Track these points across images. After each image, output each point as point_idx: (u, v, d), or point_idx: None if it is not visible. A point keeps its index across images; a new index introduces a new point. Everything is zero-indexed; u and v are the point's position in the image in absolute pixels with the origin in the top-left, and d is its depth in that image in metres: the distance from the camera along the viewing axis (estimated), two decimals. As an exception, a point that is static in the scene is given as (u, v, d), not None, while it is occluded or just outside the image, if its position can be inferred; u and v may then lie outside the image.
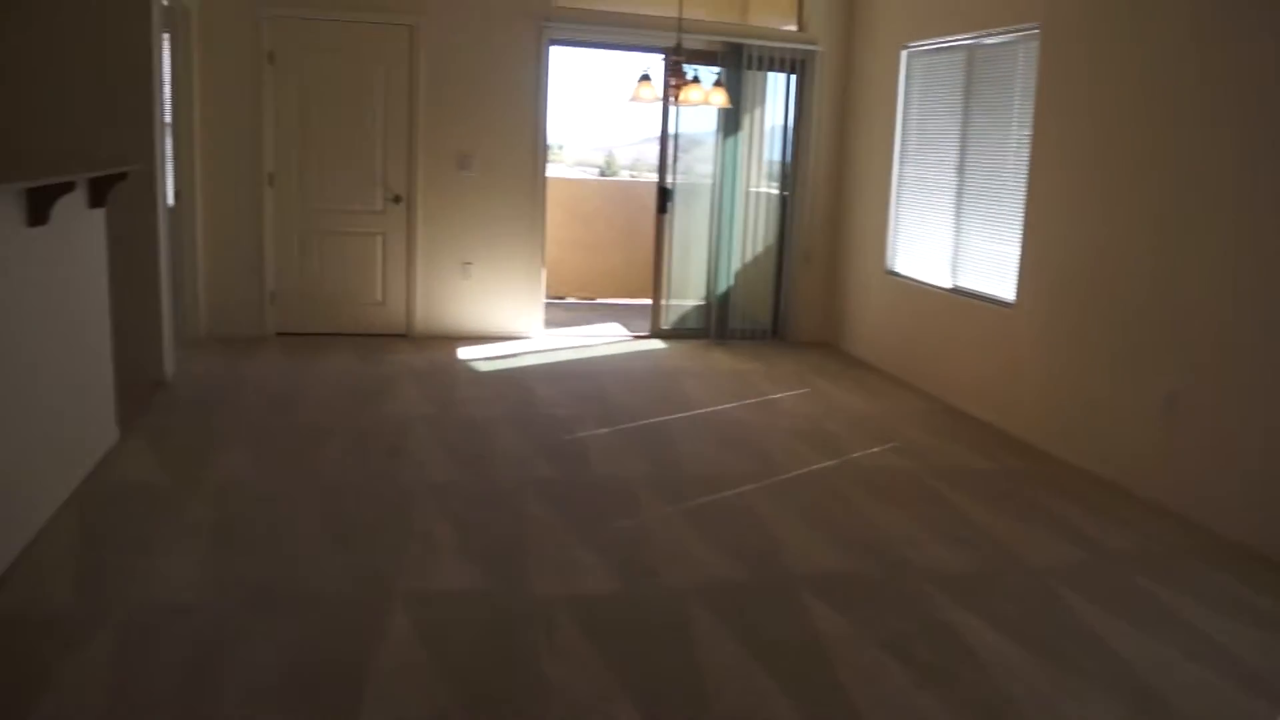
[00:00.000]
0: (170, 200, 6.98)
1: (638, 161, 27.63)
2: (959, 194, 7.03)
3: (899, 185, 7.86)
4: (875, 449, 5.82)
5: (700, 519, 4.61)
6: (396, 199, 7.83)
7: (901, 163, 7.83)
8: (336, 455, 5.20)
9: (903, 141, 7.81)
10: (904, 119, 7.79)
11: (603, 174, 20.67)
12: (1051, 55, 6.02)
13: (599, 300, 10.35)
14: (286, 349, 7.48)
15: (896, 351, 7.75)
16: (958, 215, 7.05)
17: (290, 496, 4.62)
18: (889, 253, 7.94)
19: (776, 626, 3.66)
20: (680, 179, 8.46)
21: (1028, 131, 6.23)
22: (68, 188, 4.17)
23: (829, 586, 3.98)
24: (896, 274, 7.84)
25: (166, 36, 6.94)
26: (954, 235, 7.09)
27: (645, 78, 6.47)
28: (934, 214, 7.34)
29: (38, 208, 4.11)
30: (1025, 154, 6.25)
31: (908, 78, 7.74)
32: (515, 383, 6.82)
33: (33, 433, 4.17)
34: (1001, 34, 6.54)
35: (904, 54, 7.71)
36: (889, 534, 4.57)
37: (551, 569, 4.00)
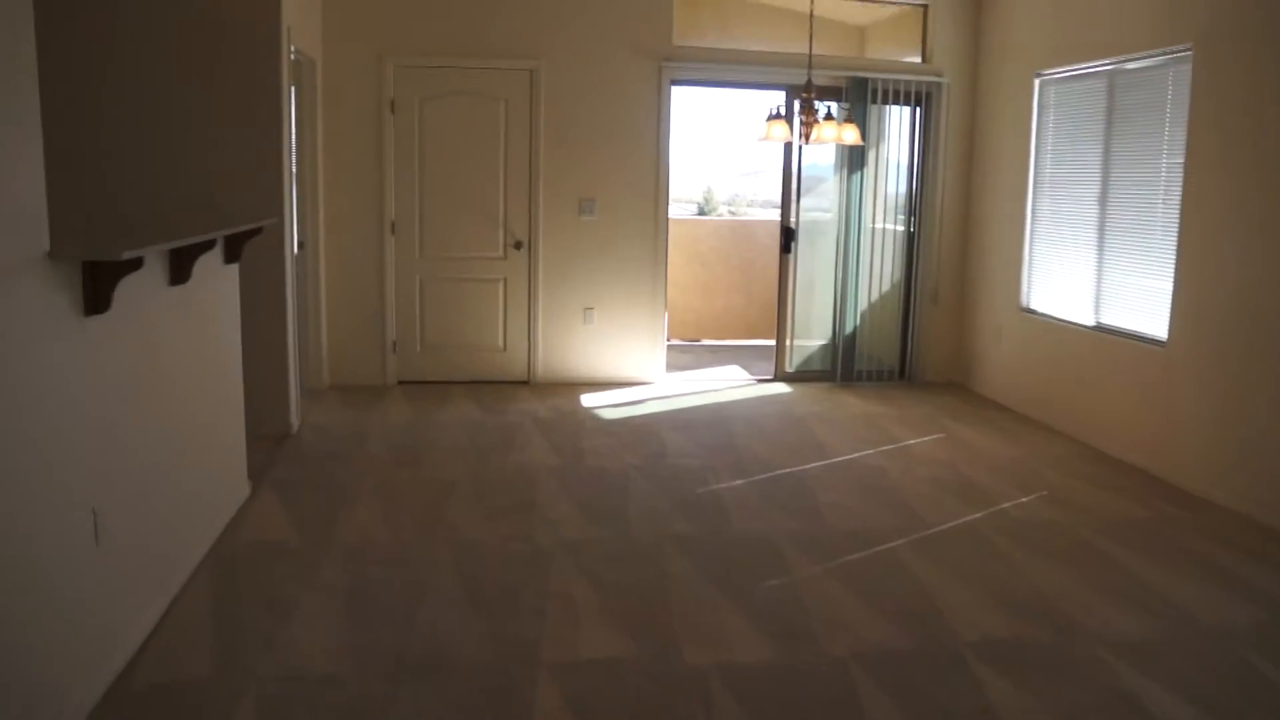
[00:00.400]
0: (294, 249, 7.00)
1: (735, 198, 27.45)
2: (1102, 227, 6.69)
3: (1033, 219, 7.54)
4: (1024, 498, 5.50)
5: (852, 578, 4.36)
6: (518, 244, 7.75)
7: (1036, 196, 7.51)
8: (466, 510, 5.08)
9: (1037, 174, 7.49)
10: (1038, 150, 7.48)
11: (701, 211, 20.52)
12: (1206, 78, 5.68)
13: (718, 342, 10.15)
14: (409, 398, 7.43)
15: (1033, 392, 7.40)
16: (1101, 249, 6.70)
17: (423, 556, 4.49)
18: (1023, 290, 7.60)
19: (947, 698, 3.39)
20: (802, 217, 8.24)
21: (1179, 159, 5.88)
22: (208, 245, 4.13)
23: (997, 653, 3.70)
24: (1032, 311, 7.50)
25: (292, 88, 6.99)
26: (1097, 270, 6.74)
27: (777, 115, 6.28)
28: (1074, 249, 7.00)
29: (180, 266, 4.08)
30: (1177, 183, 5.91)
31: (1041, 107, 7.43)
32: (642, 431, 6.65)
33: (174, 491, 4.12)
34: (1148, 57, 6.22)
35: (1037, 82, 7.41)
36: (1053, 594, 4.27)
37: (700, 634, 3.80)
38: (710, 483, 5.59)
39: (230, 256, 4.90)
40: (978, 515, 5.21)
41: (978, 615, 4.03)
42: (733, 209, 26.07)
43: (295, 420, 6.47)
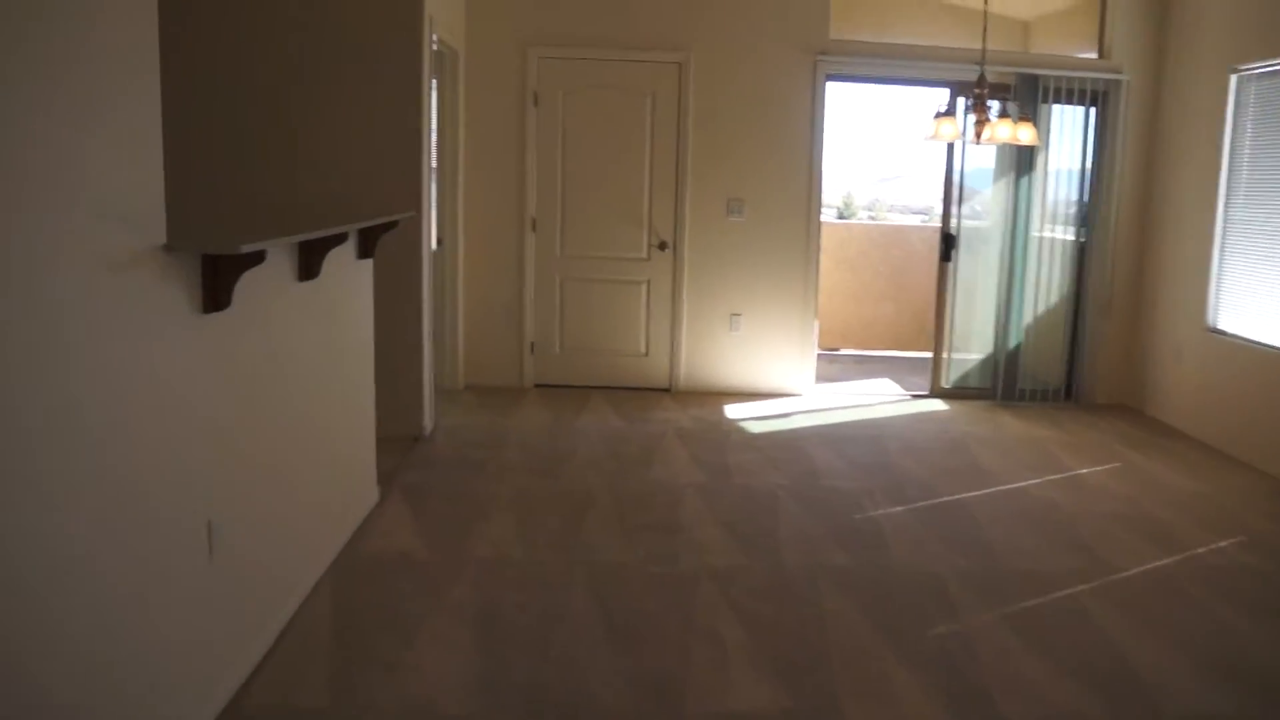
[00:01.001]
0: (433, 245, 6.80)
1: (875, 203, 26.65)
2: (1311, 240, 6.03)
3: (1224, 230, 6.86)
4: (1220, 543, 4.92)
5: (1029, 628, 3.88)
6: (662, 245, 7.41)
7: (1228, 204, 6.83)
8: (606, 528, 4.75)
9: (1230, 180, 6.81)
10: (1232, 153, 6.80)
11: (841, 215, 19.90)
12: None
13: (867, 352, 9.66)
14: (546, 402, 7.16)
15: (1221, 420, 6.73)
16: (1310, 264, 6.04)
17: (559, 577, 4.18)
18: (1210, 307, 6.93)
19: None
20: (963, 223, 7.70)
21: None
22: (339, 239, 3.89)
23: (1214, 732, 3.20)
24: (1221, 332, 6.83)
25: (433, 80, 6.78)
26: (1304, 288, 6.08)
27: (946, 113, 5.81)
28: (1275, 265, 6.33)
29: (309, 261, 3.85)
30: None
31: (1238, 106, 6.76)
32: (791, 447, 6.23)
33: (297, 500, 3.89)
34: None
35: (1233, 78, 6.74)
36: (1267, 659, 3.73)
37: (863, 688, 3.38)
38: (866, 508, 5.15)
39: (364, 251, 4.67)
40: (1168, 560, 4.66)
41: (1180, 681, 3.52)
42: (873, 214, 25.26)
43: (429, 422, 6.25)
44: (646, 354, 7.55)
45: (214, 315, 3.05)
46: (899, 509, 5.16)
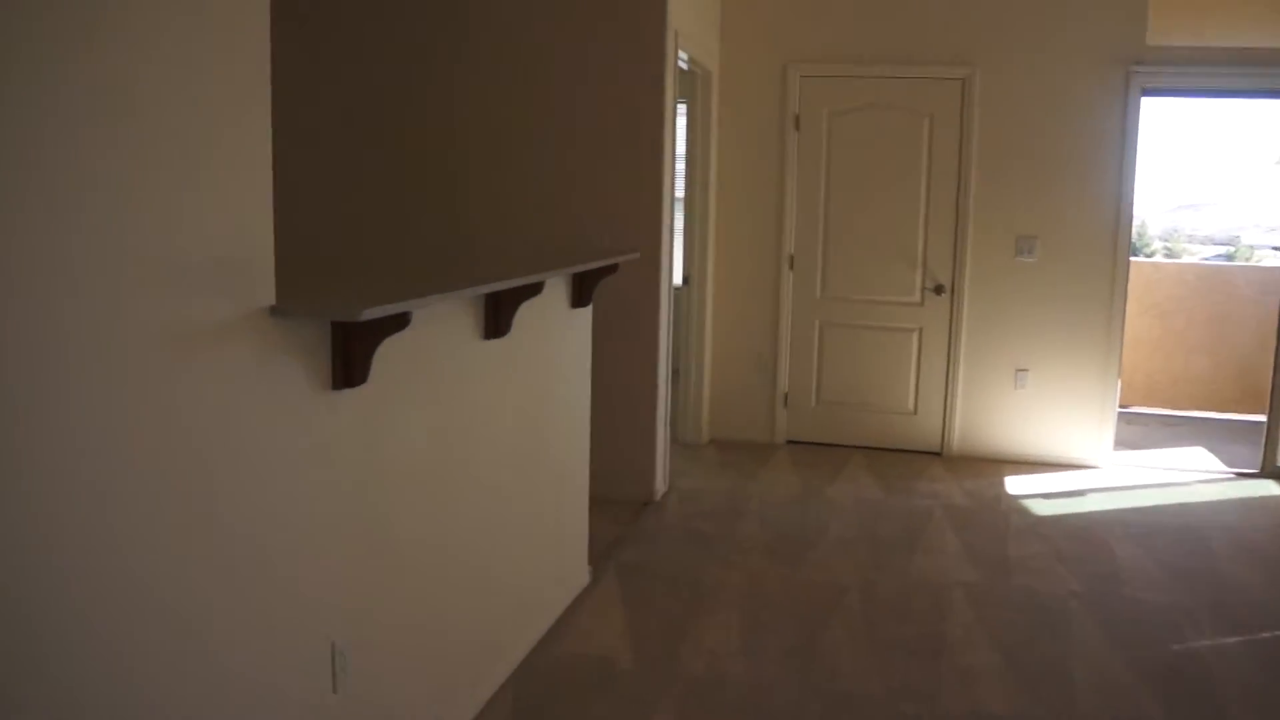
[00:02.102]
0: (678, 281, 6.17)
1: (1172, 232, 24.02)
2: None
3: None
4: None
5: None
6: (938, 289, 6.45)
7: None
8: (851, 640, 3.90)
9: None
10: None
11: (1133, 251, 17.95)
12: None
13: (1176, 413, 8.28)
14: (797, 463, 6.34)
15: None
16: None
17: (785, 711, 3.37)
18: None
19: None
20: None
21: None
22: (532, 290, 3.26)
23: None
24: None
25: (683, 105, 6.15)
26: None
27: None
28: None
29: (497, 316, 3.24)
30: None
31: None
32: (1085, 537, 5.14)
33: (475, 597, 3.29)
34: None
35: None
36: None
37: None
38: (1187, 635, 4.04)
39: (579, 299, 4.04)
40: None
41: None
42: (1169, 246, 22.80)
43: (661, 485, 5.57)
44: (915, 412, 6.59)
45: (347, 392, 2.46)
46: (1233, 640, 4.02)
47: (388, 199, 5.55)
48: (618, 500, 5.36)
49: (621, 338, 5.32)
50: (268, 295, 2.20)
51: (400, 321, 2.43)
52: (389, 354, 2.56)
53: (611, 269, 4.06)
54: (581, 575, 4.31)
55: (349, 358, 2.43)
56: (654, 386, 5.42)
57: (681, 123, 6.56)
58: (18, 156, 1.59)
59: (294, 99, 5.64)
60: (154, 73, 1.86)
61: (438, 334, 2.92)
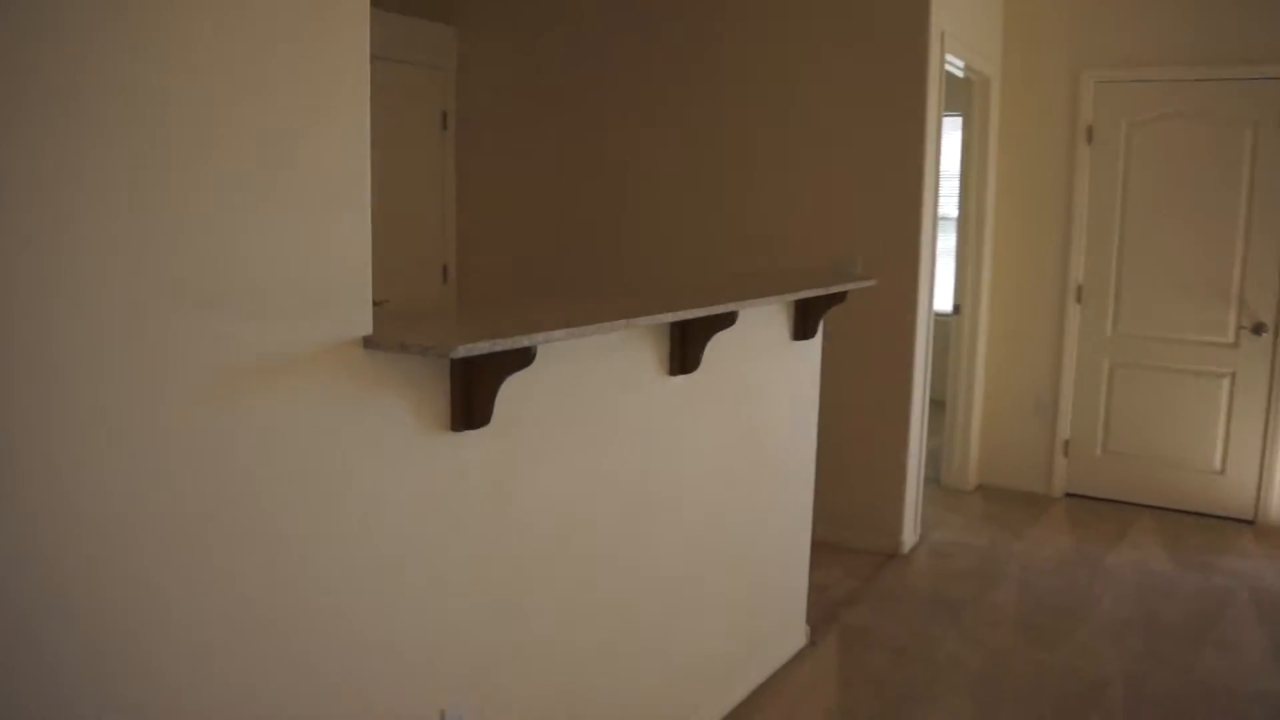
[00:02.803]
0: (946, 308, 5.56)
1: None
2: None
3: None
4: None
5: None
6: (1257, 328, 5.48)
7: None
8: (1105, 750, 3.24)
9: None
10: None
11: None
12: None
13: None
14: (1073, 520, 5.57)
15: None
16: None
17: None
18: None
19: None
20: None
21: None
22: (724, 321, 2.85)
23: None
24: None
25: (957, 118, 5.56)
26: None
27: None
28: None
29: (685, 349, 2.87)
30: None
31: None
32: None
33: (670, 649, 2.92)
34: None
35: None
36: None
37: None
38: None
39: (803, 330, 3.59)
40: None
41: None
42: None
43: (910, 536, 5.00)
44: (1222, 471, 5.64)
45: (470, 434, 2.16)
46: None
47: (608, 217, 5.31)
48: (858, 550, 4.86)
49: (869, 370, 4.82)
50: (363, 325, 1.92)
51: (524, 357, 2.08)
52: (527, 392, 2.26)
53: (838, 298, 3.58)
54: (796, 638, 3.85)
55: (469, 396, 2.12)
56: (905, 425, 4.87)
57: (955, 136, 5.96)
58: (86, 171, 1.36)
59: (517, 109, 5.52)
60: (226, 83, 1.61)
61: (600, 370, 2.57)
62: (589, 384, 2.55)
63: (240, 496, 1.72)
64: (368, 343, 1.94)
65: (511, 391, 2.25)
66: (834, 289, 3.40)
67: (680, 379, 2.92)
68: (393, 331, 1.98)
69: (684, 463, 3.02)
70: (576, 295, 3.06)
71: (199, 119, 1.62)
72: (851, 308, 4.65)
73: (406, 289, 5.48)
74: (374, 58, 5.22)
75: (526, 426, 2.33)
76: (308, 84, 1.79)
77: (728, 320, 2.85)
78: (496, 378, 2.12)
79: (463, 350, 1.89)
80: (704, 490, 3.14)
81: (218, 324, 1.67)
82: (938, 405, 5.85)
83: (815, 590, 4.33)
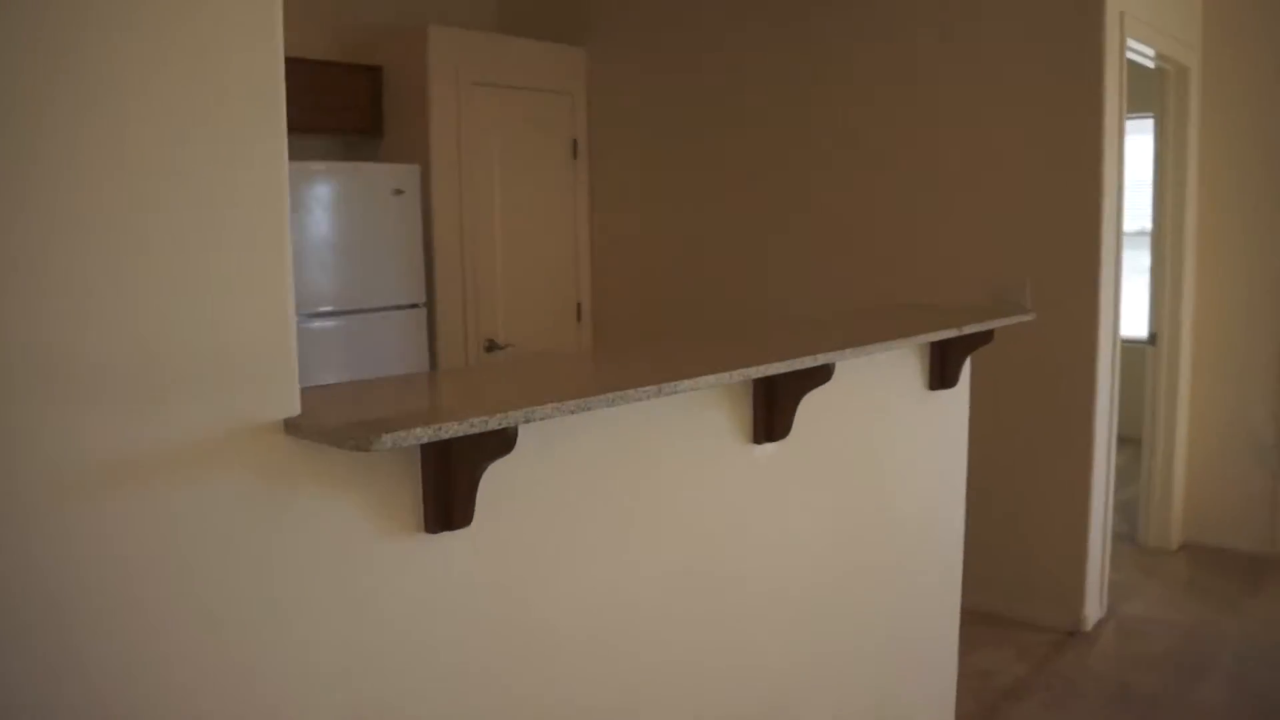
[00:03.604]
0: (1140, 335, 4.79)
1: None
2: None
3: None
4: None
5: None
6: None
7: None
8: None
9: None
10: None
11: None
12: None
13: None
14: (1305, 588, 4.68)
15: None
16: None
17: None
18: None
19: None
20: None
21: None
22: (819, 376, 2.27)
23: None
24: None
25: (1147, 120, 4.79)
26: None
27: None
28: None
29: (770, 413, 2.32)
30: None
31: None
32: None
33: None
34: None
35: None
36: None
37: None
38: None
39: (943, 378, 2.96)
40: None
41: None
42: None
43: (1094, 608, 4.25)
44: None
45: (447, 535, 1.68)
46: None
47: (748, 246, 4.77)
48: (1031, 625, 4.15)
49: (1039, 411, 4.12)
50: (285, 405, 1.47)
51: (505, 441, 1.58)
52: (536, 476, 1.76)
53: (985, 337, 2.94)
54: (941, 744, 3.20)
55: (443, 489, 1.64)
56: (1086, 474, 4.13)
57: (1144, 139, 5.16)
58: None
59: (649, 134, 5.04)
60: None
61: (652, 439, 2.04)
62: (636, 458, 2.02)
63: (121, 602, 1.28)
64: (289, 427, 1.47)
65: (515, 476, 1.75)
66: (972, 328, 2.76)
67: (769, 448, 2.35)
68: (324, 412, 1.51)
69: (775, 547, 2.44)
70: (675, 339, 2.55)
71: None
72: (1014, 339, 3.95)
73: (538, 331, 5.08)
74: (500, 86, 4.79)
75: (533, 519, 1.83)
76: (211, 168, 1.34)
77: (822, 375, 2.26)
78: (473, 466, 1.62)
79: (389, 440, 1.40)
80: (806, 577, 2.56)
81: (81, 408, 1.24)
82: (1130, 446, 5.05)
83: (976, 676, 3.66)
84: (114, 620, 1.32)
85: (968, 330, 2.71)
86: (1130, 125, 4.23)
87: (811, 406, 2.38)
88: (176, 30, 1.34)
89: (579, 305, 5.33)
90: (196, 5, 1.35)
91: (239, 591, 1.43)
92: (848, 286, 4.50)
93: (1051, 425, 4.13)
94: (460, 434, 1.47)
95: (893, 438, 2.85)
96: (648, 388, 1.74)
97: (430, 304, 4.65)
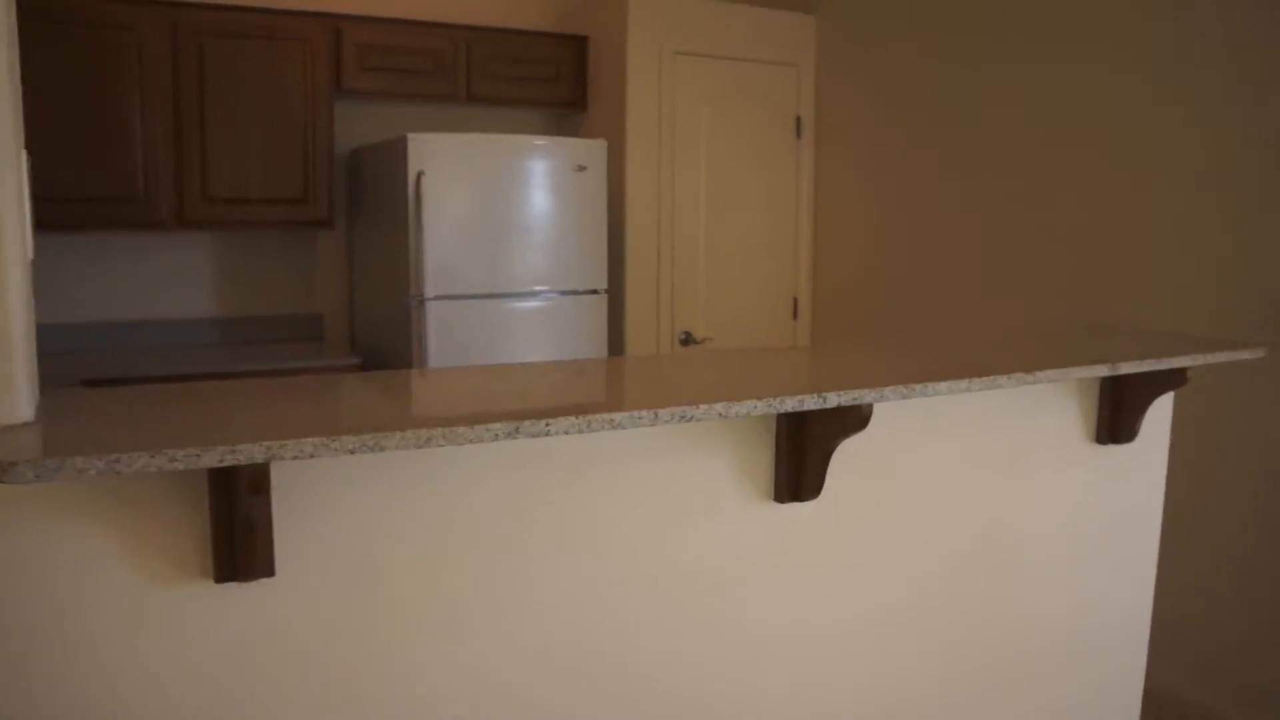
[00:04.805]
0: None
1: None
2: None
3: None
4: None
5: None
6: None
7: None
8: None
9: None
10: None
11: None
12: None
13: None
14: None
15: None
16: None
17: None
18: None
19: None
20: None
21: None
22: (854, 420, 1.72)
23: None
24: None
25: None
26: None
27: None
28: None
29: (800, 471, 1.80)
30: None
31: None
32: None
33: None
34: None
35: None
36: None
37: None
38: None
39: (1115, 430, 2.28)
40: None
41: None
42: None
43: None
44: None
45: (234, 587, 1.33)
46: None
47: (980, 242, 4.06)
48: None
49: (1261, 463, 3.19)
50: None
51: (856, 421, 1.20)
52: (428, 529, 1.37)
53: (1178, 377, 2.21)
54: None
55: (233, 534, 1.29)
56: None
57: None
58: None
59: (881, 113, 4.36)
60: None
61: (631, 488, 1.59)
62: (603, 509, 1.58)
63: None
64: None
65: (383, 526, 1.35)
66: (1129, 367, 2.05)
67: (798, 507, 1.82)
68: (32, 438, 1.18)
69: (828, 642, 1.90)
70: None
71: None
72: (1238, 373, 3.06)
73: (744, 326, 4.61)
74: (711, 56, 4.29)
75: (318, 577, 1.43)
76: None
77: (857, 420, 1.70)
78: (258, 511, 1.25)
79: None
80: (886, 663, 1.99)
81: None
82: None
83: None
84: None
85: (1123, 370, 2.01)
86: None
87: (890, 456, 1.82)
88: None
89: (795, 300, 4.79)
90: None
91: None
92: (1085, 296, 3.70)
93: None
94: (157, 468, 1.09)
95: (1027, 503, 2.20)
96: (525, 422, 1.29)
97: (615, 290, 4.29)
